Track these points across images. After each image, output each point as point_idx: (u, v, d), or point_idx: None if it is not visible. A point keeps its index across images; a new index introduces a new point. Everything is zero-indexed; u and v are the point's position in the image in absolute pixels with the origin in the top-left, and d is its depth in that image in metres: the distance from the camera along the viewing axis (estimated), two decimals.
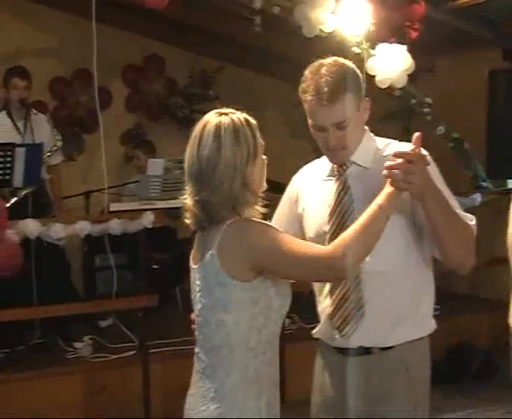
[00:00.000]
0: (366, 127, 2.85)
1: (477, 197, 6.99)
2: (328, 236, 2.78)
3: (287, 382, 6.17)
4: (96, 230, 5.66)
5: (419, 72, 8.05)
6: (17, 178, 5.79)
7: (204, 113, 8.47)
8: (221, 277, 2.48)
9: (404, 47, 6.26)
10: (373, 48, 6.28)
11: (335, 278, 2.56)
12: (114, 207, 6.49)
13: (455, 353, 6.70)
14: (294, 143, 9.71)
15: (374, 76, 6.33)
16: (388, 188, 2.48)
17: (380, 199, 2.49)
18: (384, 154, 2.75)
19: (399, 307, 2.78)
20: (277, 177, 8.31)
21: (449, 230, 2.61)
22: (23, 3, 7.94)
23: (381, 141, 2.86)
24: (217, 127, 2.61)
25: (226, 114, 2.64)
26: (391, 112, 7.95)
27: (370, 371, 2.83)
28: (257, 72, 9.43)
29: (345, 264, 2.42)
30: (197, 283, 2.57)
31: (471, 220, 2.70)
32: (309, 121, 2.80)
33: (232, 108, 2.66)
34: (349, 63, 2.79)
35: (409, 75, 6.63)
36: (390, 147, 2.78)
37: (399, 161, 2.45)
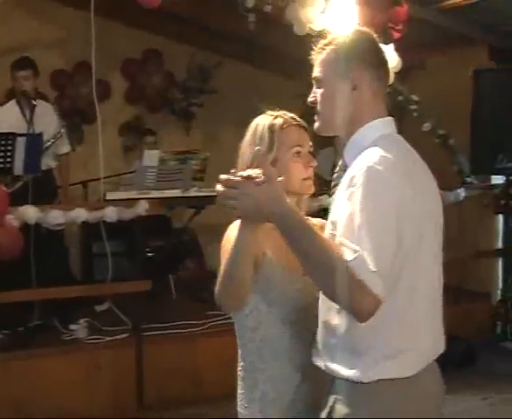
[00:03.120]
0: (380, 121, 2.44)
1: (461, 192, 7.19)
2: None
3: None
4: (92, 217, 5.87)
5: (411, 70, 8.30)
6: (18, 166, 5.99)
7: (202, 106, 8.76)
8: None
9: (391, 46, 6.46)
10: None
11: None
12: (110, 196, 6.72)
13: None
14: None
15: None
16: None
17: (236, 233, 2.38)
18: (358, 161, 2.34)
19: (335, 338, 2.39)
20: None
21: (309, 264, 2.25)
22: None
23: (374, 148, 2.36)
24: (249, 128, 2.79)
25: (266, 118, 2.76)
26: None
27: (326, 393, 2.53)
28: (256, 66, 9.60)
29: (218, 301, 2.48)
30: None
31: (354, 252, 2.15)
32: None
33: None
34: (371, 38, 2.49)
35: (399, 72, 6.84)
36: (363, 155, 2.34)
37: (221, 187, 2.25)
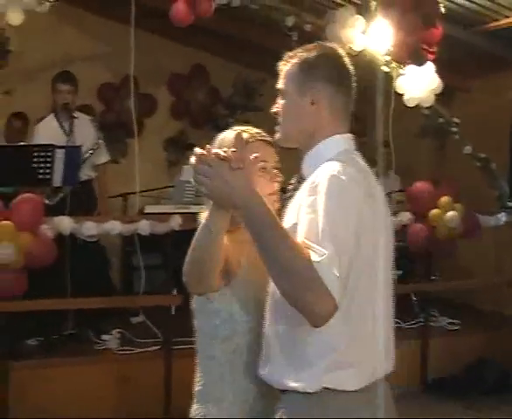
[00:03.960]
0: (337, 137, 2.47)
1: (502, 217, 7.11)
2: None
3: None
4: (126, 230, 5.95)
5: (455, 93, 8.27)
6: (57, 178, 6.08)
7: (246, 122, 8.79)
8: None
9: (432, 67, 6.44)
10: (402, 67, 6.48)
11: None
12: (148, 209, 6.80)
13: (473, 367, 6.86)
14: None
15: (402, 94, 6.54)
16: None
17: (206, 216, 2.36)
18: (319, 171, 2.35)
19: (284, 351, 2.40)
20: None
21: (273, 261, 2.21)
22: (76, 12, 8.30)
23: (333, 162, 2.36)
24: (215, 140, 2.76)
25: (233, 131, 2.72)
26: (425, 128, 8.15)
27: (276, 410, 2.52)
28: None
29: (185, 280, 2.50)
30: None
31: (321, 255, 2.14)
32: None
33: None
34: (336, 56, 2.52)
35: (442, 94, 6.82)
36: (324, 166, 2.36)
37: (195, 161, 2.21)
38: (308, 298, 2.13)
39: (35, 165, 6.11)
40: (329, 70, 2.47)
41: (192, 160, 2.21)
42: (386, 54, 6.36)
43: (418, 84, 6.49)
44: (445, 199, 6.68)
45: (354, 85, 2.53)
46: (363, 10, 6.37)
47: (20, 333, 6.06)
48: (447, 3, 6.72)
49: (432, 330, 7.04)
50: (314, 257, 2.13)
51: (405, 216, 6.74)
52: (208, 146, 2.25)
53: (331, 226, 2.19)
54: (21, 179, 6.02)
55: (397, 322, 6.87)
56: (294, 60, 2.50)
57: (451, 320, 7.27)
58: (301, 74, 2.47)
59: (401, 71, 6.49)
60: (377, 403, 2.40)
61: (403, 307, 7.21)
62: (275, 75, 8.32)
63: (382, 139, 7.42)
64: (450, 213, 6.61)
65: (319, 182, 2.27)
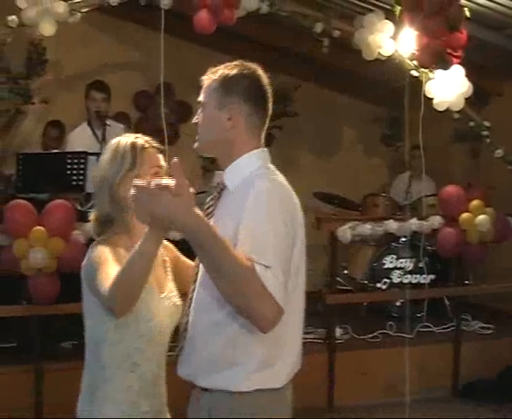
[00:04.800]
0: (256, 152, 2.65)
1: None
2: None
3: (335, 389, 6.46)
4: None
5: (489, 96, 8.23)
6: (89, 184, 6.21)
7: (281, 128, 8.87)
8: (84, 286, 2.80)
9: (462, 71, 6.43)
10: (431, 71, 6.49)
11: (113, 314, 2.61)
12: None
13: (505, 372, 6.82)
14: (369, 161, 9.95)
15: (432, 99, 6.54)
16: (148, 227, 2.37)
17: (141, 240, 2.41)
18: (249, 185, 2.51)
19: (211, 350, 2.52)
20: (351, 195, 8.63)
21: (220, 276, 2.33)
22: (110, 21, 8.41)
23: (261, 172, 2.59)
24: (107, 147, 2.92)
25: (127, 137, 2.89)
26: (458, 132, 8.13)
27: (195, 409, 2.67)
28: (333, 89, 9.68)
29: (111, 304, 2.52)
30: None
31: (264, 265, 2.33)
32: None
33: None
34: (255, 75, 2.68)
35: (476, 99, 6.82)
36: (257, 179, 2.53)
37: (135, 192, 2.28)
38: (255, 306, 2.31)
39: (68, 172, 6.26)
40: (247, 89, 2.63)
41: (132, 191, 2.28)
42: (412, 59, 6.38)
43: (448, 88, 6.49)
44: (476, 203, 6.66)
45: (270, 104, 2.73)
46: (392, 14, 6.39)
47: (54, 335, 6.19)
48: (478, 6, 6.73)
49: (465, 334, 7.01)
50: (258, 267, 2.32)
51: (436, 220, 6.74)
52: (148, 178, 2.35)
53: (271, 236, 2.38)
54: (55, 185, 6.17)
55: (428, 326, 6.88)
56: (216, 76, 2.67)
57: (483, 325, 7.23)
58: (221, 90, 2.63)
59: (430, 75, 6.50)
60: (290, 400, 2.67)
61: (435, 311, 7.29)
62: (308, 81, 8.41)
63: (410, 143, 7.49)
64: (481, 217, 6.59)
65: (253, 195, 2.44)
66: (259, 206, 2.42)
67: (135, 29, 8.95)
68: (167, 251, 2.95)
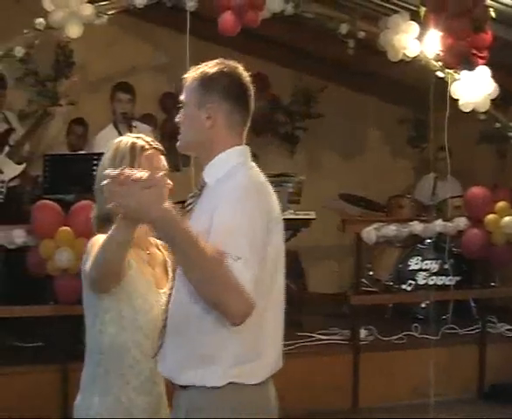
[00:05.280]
0: (237, 148, 2.64)
1: None
2: None
3: (360, 390, 6.46)
4: None
5: None
6: None
7: (306, 130, 8.85)
8: (82, 278, 2.84)
9: (488, 72, 6.41)
10: (457, 72, 6.47)
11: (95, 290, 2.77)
12: None
13: None
14: (394, 162, 9.92)
15: (457, 100, 6.52)
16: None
17: (113, 227, 2.47)
18: (227, 180, 2.54)
19: (187, 346, 2.51)
20: (376, 196, 8.62)
21: (192, 269, 2.34)
22: (136, 23, 8.45)
23: (242, 168, 2.60)
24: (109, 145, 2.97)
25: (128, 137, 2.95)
26: (484, 134, 8.09)
27: (174, 409, 2.68)
28: (358, 91, 9.66)
29: (90, 281, 2.72)
30: None
31: (235, 258, 2.34)
32: None
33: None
34: (234, 73, 2.66)
35: (503, 100, 6.79)
36: (234, 175, 2.55)
37: (109, 183, 2.27)
38: (226, 300, 2.32)
39: (94, 173, 6.27)
40: (227, 87, 2.61)
41: (105, 181, 2.28)
42: (437, 59, 6.36)
43: (474, 89, 6.47)
44: (502, 204, 6.63)
45: (252, 102, 2.71)
46: (417, 15, 6.38)
47: (79, 335, 6.22)
48: (503, 6, 6.69)
49: (490, 336, 6.99)
50: (230, 261, 2.32)
51: (461, 222, 6.71)
52: (121, 168, 2.33)
53: (244, 229, 2.39)
54: (81, 186, 6.20)
55: (453, 328, 6.86)
56: (196, 75, 2.64)
57: (509, 327, 7.20)
58: (200, 88, 2.61)
59: (456, 76, 6.48)
60: (272, 397, 2.62)
61: (461, 313, 7.26)
62: (335, 82, 8.36)
63: (435, 145, 7.46)
64: (507, 218, 6.55)
65: (230, 189, 2.47)
66: (235, 200, 2.44)
67: (161, 31, 8.99)
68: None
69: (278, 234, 2.57)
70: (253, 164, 2.66)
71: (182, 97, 2.68)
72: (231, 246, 2.35)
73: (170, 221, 2.28)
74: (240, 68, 2.69)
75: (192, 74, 2.66)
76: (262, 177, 2.63)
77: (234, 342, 2.45)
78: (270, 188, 2.62)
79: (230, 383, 2.44)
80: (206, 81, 2.61)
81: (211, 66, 2.64)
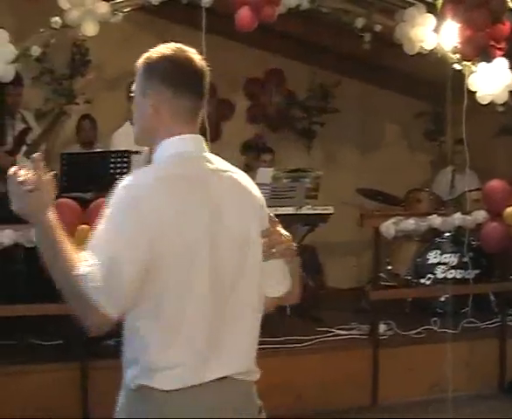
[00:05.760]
0: (171, 139, 2.41)
1: None
2: None
3: (380, 385, 6.44)
4: None
5: None
6: None
7: (323, 125, 8.83)
8: None
9: (506, 63, 6.37)
10: (474, 64, 6.43)
11: None
12: None
13: None
14: (412, 156, 9.89)
15: (475, 92, 6.48)
16: None
17: None
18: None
19: (124, 349, 2.44)
20: (394, 190, 8.60)
21: (53, 276, 2.27)
22: (152, 20, 8.45)
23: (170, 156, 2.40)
24: None
25: None
26: (504, 126, 8.04)
27: None
28: (375, 85, 9.63)
29: None
30: None
31: (87, 266, 2.21)
32: None
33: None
34: (176, 57, 2.43)
35: None
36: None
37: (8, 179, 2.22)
38: (79, 311, 2.25)
39: (112, 170, 6.31)
40: (169, 72, 2.41)
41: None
42: (455, 51, 6.33)
43: (491, 81, 6.42)
44: None
45: (199, 86, 2.45)
46: (433, 8, 6.35)
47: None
48: None
49: (510, 330, 6.94)
50: (82, 270, 2.20)
51: (480, 215, 6.68)
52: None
53: (105, 236, 2.25)
54: (98, 184, 6.22)
55: (473, 322, 6.83)
56: (141, 60, 2.47)
57: None
58: (143, 75, 2.44)
59: (473, 68, 6.44)
60: (201, 405, 2.36)
61: (480, 307, 7.23)
62: (351, 76, 8.33)
63: (453, 137, 7.43)
64: None
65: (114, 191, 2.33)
66: (109, 202, 2.32)
67: (177, 28, 8.98)
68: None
69: (192, 230, 2.32)
70: (191, 156, 2.42)
71: (132, 87, 2.52)
72: (91, 252, 2.24)
73: (47, 226, 2.26)
74: (188, 51, 2.46)
75: (139, 60, 2.49)
76: (189, 170, 2.38)
77: (150, 346, 2.31)
78: (167, 188, 2.34)
79: (142, 386, 2.34)
80: (147, 67, 2.43)
81: (155, 51, 2.46)
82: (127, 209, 2.28)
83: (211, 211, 2.37)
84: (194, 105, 2.44)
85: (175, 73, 2.42)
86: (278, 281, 2.58)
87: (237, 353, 2.44)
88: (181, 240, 2.30)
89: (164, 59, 2.42)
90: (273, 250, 2.49)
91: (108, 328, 2.28)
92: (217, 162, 2.49)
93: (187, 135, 2.42)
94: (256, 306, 2.51)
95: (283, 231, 2.55)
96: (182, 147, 2.41)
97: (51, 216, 2.28)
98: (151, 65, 2.42)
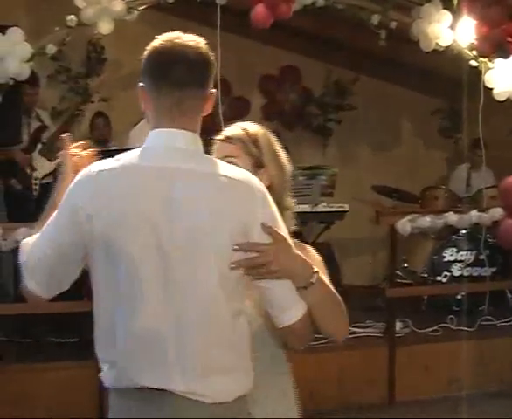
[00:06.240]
0: (154, 132, 2.33)
1: None
2: None
3: (396, 383, 6.43)
4: None
5: None
6: None
7: (340, 122, 8.82)
8: None
9: None
10: (491, 61, 6.40)
11: None
12: None
13: None
14: (428, 153, 9.86)
15: (492, 89, 6.45)
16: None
17: None
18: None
19: None
20: (410, 187, 8.58)
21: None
22: (167, 18, 8.46)
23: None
24: None
25: None
26: None
27: None
28: (391, 82, 9.60)
29: None
30: None
31: (26, 241, 2.41)
32: None
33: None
34: (158, 51, 2.32)
35: None
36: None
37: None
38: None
39: None
40: (150, 65, 2.32)
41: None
42: (471, 48, 6.30)
43: (508, 77, 6.39)
44: None
45: (182, 77, 2.27)
46: (450, 4, 6.32)
47: None
48: None
49: None
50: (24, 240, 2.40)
51: (497, 212, 6.64)
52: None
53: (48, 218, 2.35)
54: None
55: (490, 320, 6.80)
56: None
57: None
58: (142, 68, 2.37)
59: (490, 64, 6.41)
60: (122, 411, 2.29)
61: (497, 304, 7.20)
62: (366, 73, 8.29)
63: (469, 134, 7.40)
64: None
65: None
66: None
67: (192, 26, 8.83)
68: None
69: (139, 225, 2.20)
70: (155, 149, 2.30)
71: None
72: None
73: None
74: (180, 38, 2.34)
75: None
76: (145, 162, 2.25)
77: (101, 342, 2.33)
78: (119, 180, 2.24)
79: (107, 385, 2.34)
80: (143, 60, 2.35)
81: (151, 44, 2.36)
82: (69, 195, 2.31)
83: (160, 209, 2.21)
84: (172, 97, 2.28)
85: (155, 65, 2.31)
86: (283, 307, 2.32)
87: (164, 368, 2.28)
88: (126, 233, 2.21)
89: (151, 51, 2.32)
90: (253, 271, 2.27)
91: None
92: (192, 160, 2.35)
93: (167, 129, 2.29)
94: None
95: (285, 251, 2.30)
96: (158, 141, 2.30)
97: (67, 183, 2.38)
98: (143, 59, 2.34)
